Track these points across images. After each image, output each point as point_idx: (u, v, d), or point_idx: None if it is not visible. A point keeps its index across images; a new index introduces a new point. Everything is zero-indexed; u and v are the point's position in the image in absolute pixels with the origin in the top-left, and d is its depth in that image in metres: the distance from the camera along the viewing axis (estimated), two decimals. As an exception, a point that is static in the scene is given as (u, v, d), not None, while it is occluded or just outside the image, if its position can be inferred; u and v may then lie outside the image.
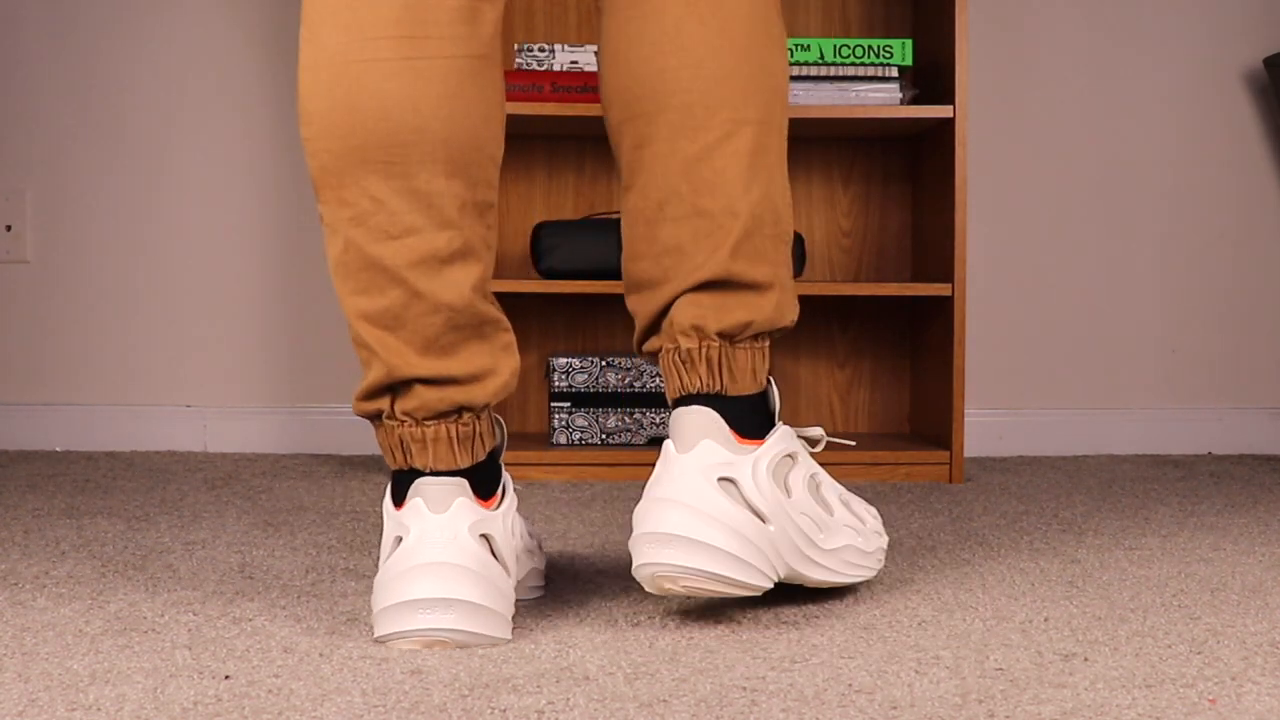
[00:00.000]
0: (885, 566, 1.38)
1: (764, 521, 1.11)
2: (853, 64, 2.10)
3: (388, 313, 1.09)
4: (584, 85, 2.12)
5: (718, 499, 1.08)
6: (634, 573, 1.11)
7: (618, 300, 2.36)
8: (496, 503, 1.11)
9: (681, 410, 1.13)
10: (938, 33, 2.15)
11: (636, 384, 2.13)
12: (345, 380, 2.40)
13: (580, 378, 2.13)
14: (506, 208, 2.36)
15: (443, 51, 1.09)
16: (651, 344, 1.18)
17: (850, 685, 0.95)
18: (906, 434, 2.35)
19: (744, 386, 1.15)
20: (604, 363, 2.13)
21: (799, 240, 2.14)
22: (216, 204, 2.40)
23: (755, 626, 1.12)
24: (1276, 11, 2.43)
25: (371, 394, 1.11)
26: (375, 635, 1.07)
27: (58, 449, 2.38)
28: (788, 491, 1.14)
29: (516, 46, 2.26)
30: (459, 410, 1.10)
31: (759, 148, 1.16)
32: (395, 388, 1.10)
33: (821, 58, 2.10)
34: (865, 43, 2.10)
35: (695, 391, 1.14)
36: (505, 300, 2.36)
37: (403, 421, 1.10)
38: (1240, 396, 2.45)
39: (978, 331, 2.41)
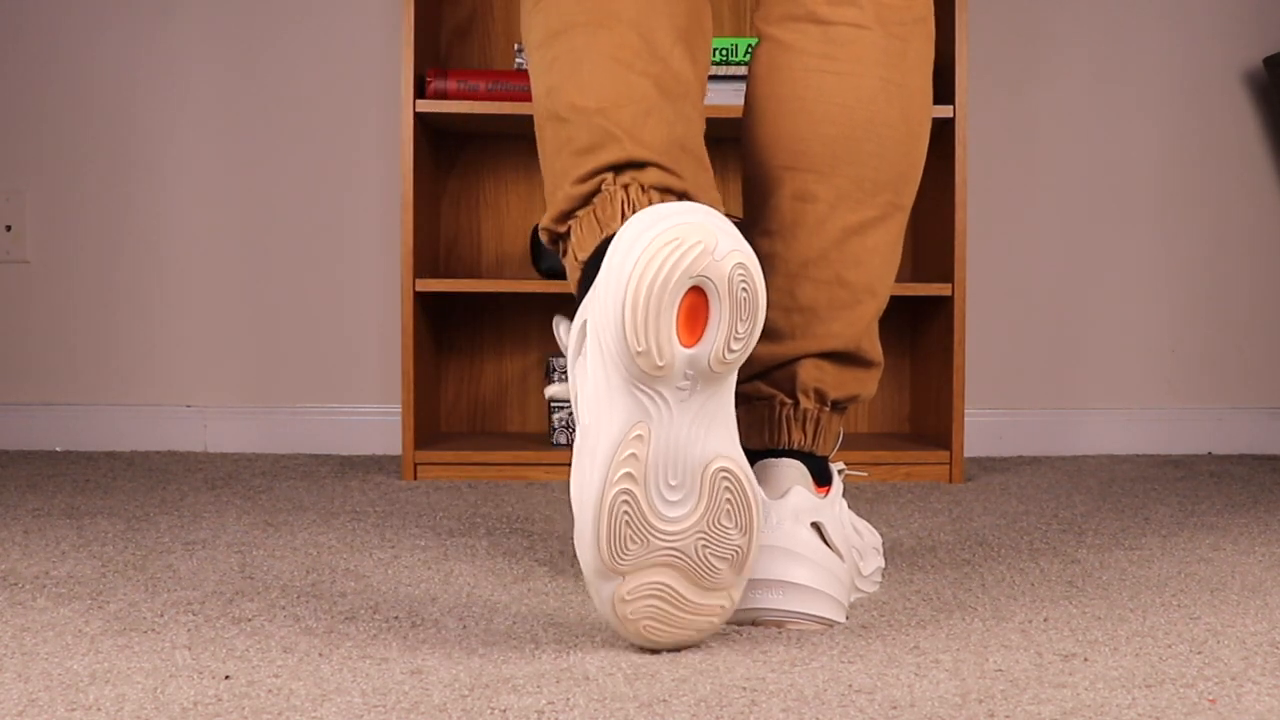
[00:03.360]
0: (885, 566, 1.38)
1: (841, 559, 1.15)
2: (853, 64, 2.10)
3: (632, 115, 1.09)
4: (584, 85, 2.12)
5: (816, 543, 1.13)
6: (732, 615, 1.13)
7: (618, 300, 2.35)
8: None
9: (773, 462, 1.17)
10: (938, 33, 2.15)
11: (636, 384, 2.13)
12: (345, 380, 2.40)
13: (580, 378, 2.13)
14: (506, 208, 2.36)
15: None
16: (755, 388, 1.20)
17: (850, 685, 0.95)
18: (906, 434, 2.35)
19: (827, 449, 1.20)
20: (604, 363, 2.13)
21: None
22: (217, 204, 2.40)
23: (755, 627, 1.12)
24: (1276, 11, 2.43)
25: (597, 171, 1.09)
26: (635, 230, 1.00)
27: (58, 449, 2.38)
28: (843, 526, 1.20)
29: (517, 46, 2.26)
30: (684, 198, 1.09)
31: (899, 235, 1.21)
32: (626, 167, 1.09)
33: (821, 58, 2.10)
34: (865, 43, 2.10)
35: (795, 447, 1.18)
36: (505, 300, 2.36)
37: (628, 186, 1.08)
38: (1240, 396, 2.45)
39: (978, 331, 2.41)
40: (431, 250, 2.23)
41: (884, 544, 1.51)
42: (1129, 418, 2.42)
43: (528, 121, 2.11)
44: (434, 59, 2.27)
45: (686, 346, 0.98)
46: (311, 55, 2.38)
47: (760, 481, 1.16)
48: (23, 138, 2.40)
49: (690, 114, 1.14)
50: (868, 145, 1.16)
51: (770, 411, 1.19)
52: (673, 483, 1.00)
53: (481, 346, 2.37)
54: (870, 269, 1.18)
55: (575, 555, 1.44)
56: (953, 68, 2.05)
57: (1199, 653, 1.05)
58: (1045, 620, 1.15)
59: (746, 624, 1.12)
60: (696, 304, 0.98)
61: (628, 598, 1.01)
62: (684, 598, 1.02)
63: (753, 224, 1.21)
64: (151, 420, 2.39)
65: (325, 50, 2.38)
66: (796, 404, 1.18)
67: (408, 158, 2.03)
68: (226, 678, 0.96)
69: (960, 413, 2.06)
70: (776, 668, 1.00)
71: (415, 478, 2.04)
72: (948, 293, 2.07)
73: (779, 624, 1.12)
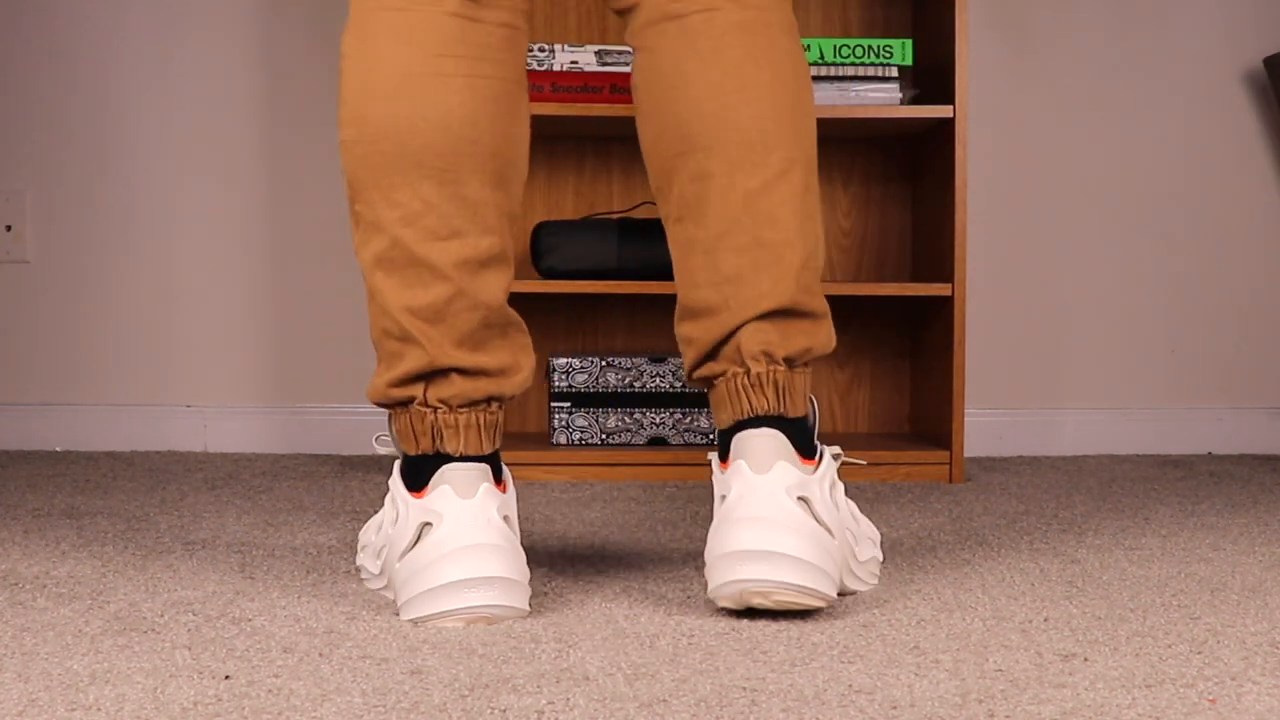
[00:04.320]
0: (885, 566, 1.38)
1: (831, 536, 1.15)
2: (853, 64, 2.10)
3: (431, 307, 1.17)
4: (584, 85, 2.12)
5: (803, 516, 1.13)
6: (717, 590, 1.13)
7: (618, 300, 2.36)
8: (506, 488, 1.20)
9: (751, 433, 1.17)
10: (938, 33, 2.15)
11: (636, 384, 2.13)
12: (345, 380, 2.40)
13: (580, 378, 2.13)
14: (506, 208, 2.36)
15: (496, 74, 1.19)
16: (709, 369, 1.21)
17: (850, 685, 0.95)
18: (906, 434, 2.35)
19: (800, 409, 1.20)
20: (604, 363, 2.13)
21: (799, 240, 2.14)
22: (216, 204, 2.40)
23: (755, 627, 1.12)
24: (1276, 11, 2.43)
25: (406, 380, 1.18)
26: (413, 617, 1.13)
27: (58, 449, 2.38)
28: (837, 507, 1.19)
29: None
30: (489, 400, 1.19)
31: (807, 186, 1.22)
32: (432, 376, 1.18)
33: (821, 58, 2.10)
34: (865, 43, 2.10)
35: (763, 414, 1.18)
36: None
37: (435, 408, 1.17)
38: (1240, 396, 2.45)
39: (978, 331, 2.41)
40: (431, 250, 2.23)
41: (884, 544, 1.51)
42: (1129, 418, 2.42)
43: (530, 122, 2.11)
44: (434, 59, 2.27)
45: None
46: (315, 54, 2.38)
47: (742, 456, 1.16)
48: (23, 138, 2.40)
49: (493, 282, 1.19)
50: (746, 111, 1.19)
51: (728, 386, 1.19)
52: None
53: (481, 346, 2.36)
54: (785, 224, 1.19)
55: (574, 554, 1.44)
56: (953, 68, 2.05)
57: (1199, 653, 1.05)
58: (1045, 620, 1.15)
59: (732, 596, 1.12)
60: None
61: None
62: None
63: (666, 217, 1.24)
64: (151, 420, 2.39)
65: (330, 49, 2.38)
66: (749, 370, 1.19)
67: (408, 158, 2.03)
68: (226, 678, 0.96)
69: (960, 413, 2.06)
70: (776, 668, 1.00)
71: (415, 478, 2.03)
72: (948, 293, 2.07)
73: (765, 594, 1.11)
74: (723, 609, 1.18)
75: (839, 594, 1.23)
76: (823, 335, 1.22)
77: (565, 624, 1.13)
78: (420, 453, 1.18)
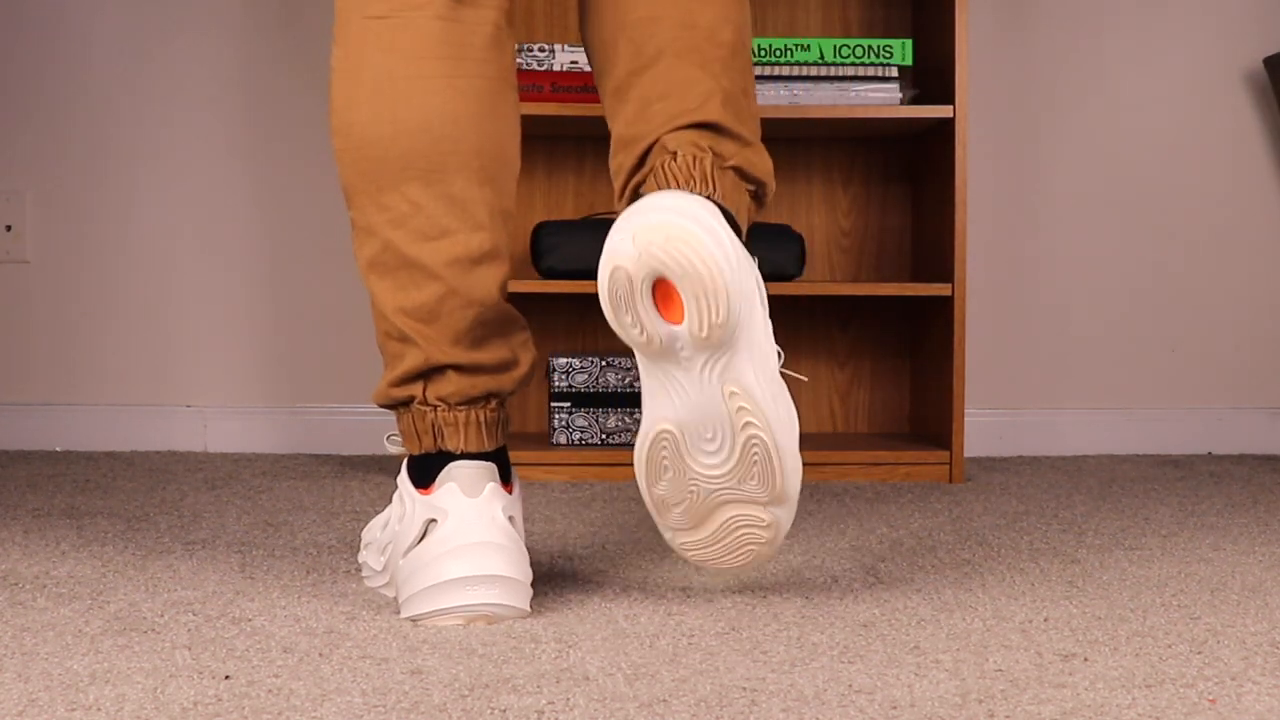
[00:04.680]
0: (885, 566, 1.38)
1: (744, 257, 1.12)
2: (853, 64, 2.10)
3: (424, 307, 1.17)
4: (584, 85, 2.12)
5: (701, 203, 1.11)
6: (611, 248, 1.15)
7: (618, 300, 2.36)
8: (513, 490, 1.21)
9: (669, 192, 1.15)
10: (938, 33, 2.15)
11: (636, 384, 2.13)
12: (345, 380, 2.40)
13: (580, 378, 2.13)
14: (506, 208, 2.35)
15: (479, 73, 1.20)
16: (635, 180, 1.23)
17: (850, 685, 0.95)
18: (906, 434, 2.35)
19: (728, 203, 1.18)
20: (604, 363, 2.13)
21: (799, 240, 2.14)
22: (216, 204, 2.40)
23: (755, 627, 1.12)
24: (1276, 11, 2.43)
25: (405, 380, 1.19)
26: (413, 614, 1.13)
27: (58, 449, 2.38)
28: (757, 287, 1.16)
29: (516, 46, 2.26)
30: (489, 396, 1.19)
31: (737, 45, 1.23)
32: (430, 374, 1.18)
33: (821, 58, 2.10)
34: (865, 43, 2.10)
35: (683, 188, 1.17)
36: (505, 300, 2.36)
37: (435, 406, 1.18)
38: (1240, 396, 2.45)
39: (978, 331, 2.41)
40: (431, 250, 2.23)
41: (884, 543, 1.51)
42: (1129, 418, 2.42)
43: (529, 121, 2.10)
44: (434, 59, 2.27)
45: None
46: (314, 54, 2.38)
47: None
48: (23, 138, 2.40)
49: (487, 278, 1.19)
50: (674, 7, 1.21)
51: (654, 179, 1.20)
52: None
53: (481, 346, 2.36)
54: (712, 68, 1.21)
55: (574, 554, 1.44)
56: (953, 68, 2.05)
57: (1199, 653, 1.05)
58: (1045, 620, 1.15)
59: (625, 254, 1.13)
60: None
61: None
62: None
63: (607, 95, 1.26)
64: (151, 420, 2.39)
65: (328, 50, 2.38)
66: (675, 155, 1.19)
67: (408, 158, 2.03)
68: (226, 678, 0.96)
69: (960, 413, 2.06)
70: (776, 668, 1.00)
71: (415, 478, 2.03)
72: (948, 293, 2.07)
73: (665, 235, 1.10)
74: (722, 611, 1.18)
75: (742, 381, 1.15)
76: (756, 158, 1.22)
77: (565, 624, 1.13)
78: (423, 451, 1.19)
